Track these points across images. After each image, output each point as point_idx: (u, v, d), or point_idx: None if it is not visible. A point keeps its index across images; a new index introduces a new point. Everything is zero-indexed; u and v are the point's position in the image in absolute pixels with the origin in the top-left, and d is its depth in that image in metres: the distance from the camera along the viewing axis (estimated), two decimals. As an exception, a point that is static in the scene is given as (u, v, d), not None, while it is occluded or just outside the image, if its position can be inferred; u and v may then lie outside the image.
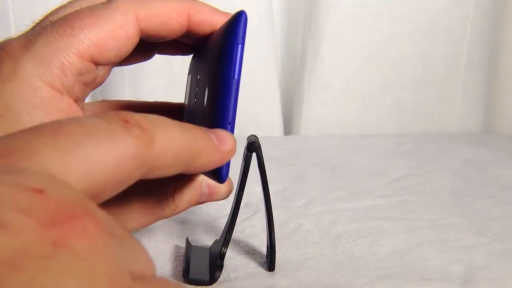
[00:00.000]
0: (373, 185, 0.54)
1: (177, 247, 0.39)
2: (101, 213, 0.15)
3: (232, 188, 0.33)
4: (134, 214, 0.29)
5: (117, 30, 0.26)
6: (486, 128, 0.86)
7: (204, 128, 0.22)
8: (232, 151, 0.23)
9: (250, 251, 0.38)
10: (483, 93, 0.84)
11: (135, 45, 0.27)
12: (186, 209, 0.31)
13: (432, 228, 0.43)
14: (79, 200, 0.14)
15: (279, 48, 0.81)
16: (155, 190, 0.30)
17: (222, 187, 0.32)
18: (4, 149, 0.15)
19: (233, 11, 0.27)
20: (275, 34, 0.77)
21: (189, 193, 0.31)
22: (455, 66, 0.81)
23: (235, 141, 0.23)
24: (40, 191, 0.14)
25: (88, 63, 0.26)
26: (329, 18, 0.75)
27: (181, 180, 0.31)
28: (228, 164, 0.25)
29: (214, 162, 0.22)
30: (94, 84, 0.27)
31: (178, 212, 0.31)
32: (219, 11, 0.29)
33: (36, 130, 0.16)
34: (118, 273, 0.14)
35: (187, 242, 0.38)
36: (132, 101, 0.35)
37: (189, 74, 0.34)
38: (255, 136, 0.34)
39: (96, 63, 0.26)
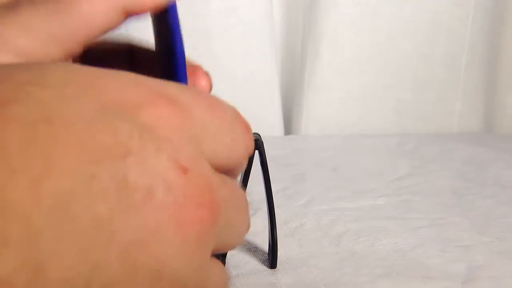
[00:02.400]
0: (374, 185, 0.54)
1: (179, 245, 0.39)
2: (218, 188, 0.16)
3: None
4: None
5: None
6: (487, 128, 0.86)
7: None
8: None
9: (252, 249, 0.38)
10: (483, 93, 0.84)
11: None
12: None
13: (434, 227, 0.43)
14: (210, 181, 0.16)
15: (279, 48, 0.81)
16: None
17: None
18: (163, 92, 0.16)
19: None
20: (275, 34, 0.77)
21: None
22: (455, 66, 0.81)
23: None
24: (185, 170, 0.15)
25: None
26: (329, 18, 0.75)
27: None
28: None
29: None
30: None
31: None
32: None
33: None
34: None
35: (189, 240, 0.38)
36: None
37: None
38: (257, 134, 0.34)
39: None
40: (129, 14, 0.20)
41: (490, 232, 0.42)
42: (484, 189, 0.54)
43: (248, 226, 0.20)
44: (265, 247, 0.38)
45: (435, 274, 0.35)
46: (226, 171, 0.18)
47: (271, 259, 0.35)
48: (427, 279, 0.35)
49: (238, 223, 0.18)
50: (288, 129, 0.82)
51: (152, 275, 0.14)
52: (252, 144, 0.20)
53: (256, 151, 0.33)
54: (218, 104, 0.18)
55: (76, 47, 0.19)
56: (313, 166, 0.61)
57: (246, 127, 0.19)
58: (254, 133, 0.34)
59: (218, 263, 0.18)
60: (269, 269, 0.35)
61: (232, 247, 0.19)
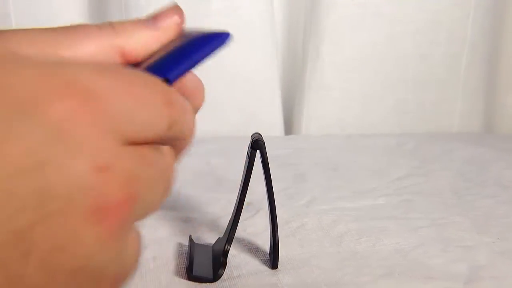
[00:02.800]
0: (375, 185, 0.54)
1: (180, 244, 0.39)
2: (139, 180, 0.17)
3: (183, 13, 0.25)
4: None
5: None
6: (487, 128, 0.86)
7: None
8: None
9: (253, 249, 0.38)
10: (483, 93, 0.84)
11: None
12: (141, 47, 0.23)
13: (435, 227, 0.43)
14: (128, 174, 0.16)
15: (280, 48, 0.81)
16: None
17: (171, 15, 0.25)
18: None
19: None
20: (275, 34, 0.77)
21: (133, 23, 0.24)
22: (455, 66, 0.81)
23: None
24: (103, 169, 0.15)
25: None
26: (330, 18, 0.75)
27: None
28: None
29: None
30: None
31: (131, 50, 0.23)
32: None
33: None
34: None
35: (190, 240, 0.38)
36: None
37: None
38: (259, 134, 0.34)
39: None
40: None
41: (491, 232, 0.42)
42: (485, 189, 0.54)
43: (168, 189, 0.20)
44: (267, 247, 0.38)
45: (437, 274, 0.35)
46: (160, 142, 0.19)
47: (273, 260, 0.35)
48: (428, 279, 0.35)
49: (158, 191, 0.18)
50: (289, 129, 0.82)
51: (72, 274, 0.14)
52: (177, 114, 0.19)
53: (258, 151, 0.33)
54: (136, 81, 0.18)
55: None
56: (313, 166, 0.61)
57: (167, 99, 0.19)
58: (256, 133, 0.34)
59: (133, 232, 0.18)
60: (271, 270, 0.35)
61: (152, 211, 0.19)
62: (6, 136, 0.13)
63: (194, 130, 0.22)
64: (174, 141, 0.20)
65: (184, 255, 0.37)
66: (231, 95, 0.74)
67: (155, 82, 0.19)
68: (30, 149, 0.13)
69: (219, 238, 0.37)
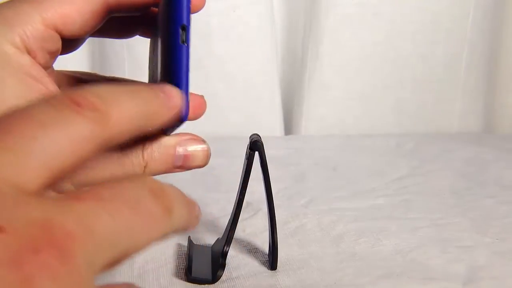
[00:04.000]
0: (375, 185, 0.54)
1: (179, 245, 0.38)
2: (62, 217, 0.15)
3: (210, 153, 0.30)
4: (99, 164, 0.27)
5: (82, 5, 0.26)
6: (486, 128, 0.86)
7: (152, 86, 0.23)
8: (178, 106, 0.23)
9: (252, 250, 0.38)
10: (483, 93, 0.84)
11: (103, 20, 0.27)
12: (161, 171, 0.29)
13: (434, 227, 0.43)
14: (42, 220, 0.14)
15: (280, 48, 0.81)
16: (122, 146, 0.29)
17: (199, 151, 0.30)
18: None
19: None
20: (275, 34, 0.77)
21: (160, 153, 0.29)
22: (455, 66, 0.81)
23: (181, 96, 0.24)
24: (0, 230, 0.14)
25: (52, 31, 0.26)
26: (329, 18, 0.75)
27: (151, 140, 0.29)
28: (187, 107, 0.25)
29: (164, 119, 0.22)
30: (58, 53, 0.28)
31: (152, 174, 0.28)
32: None
33: None
34: None
35: (189, 240, 0.38)
36: (87, 73, 0.34)
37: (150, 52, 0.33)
38: (257, 135, 0.34)
39: (60, 34, 0.26)
40: None
41: (490, 233, 0.42)
42: (484, 189, 0.54)
43: (158, 216, 0.18)
44: (266, 248, 0.38)
45: (435, 275, 0.35)
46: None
47: (272, 261, 0.35)
48: (427, 280, 0.34)
49: (123, 228, 0.17)
50: (288, 129, 0.82)
51: None
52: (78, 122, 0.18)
53: (256, 152, 0.33)
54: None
55: None
56: (313, 166, 0.61)
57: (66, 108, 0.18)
58: (254, 134, 0.34)
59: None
60: (270, 271, 0.35)
61: (142, 247, 0.17)
62: None
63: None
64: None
65: (183, 256, 0.37)
66: (231, 95, 0.74)
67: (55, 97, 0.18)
68: None
69: (218, 239, 0.37)
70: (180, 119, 0.24)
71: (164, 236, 0.18)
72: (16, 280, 0.13)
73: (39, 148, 0.16)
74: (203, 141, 0.29)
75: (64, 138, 0.17)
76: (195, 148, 0.29)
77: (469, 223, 0.44)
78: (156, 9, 0.29)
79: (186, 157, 0.29)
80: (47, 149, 0.16)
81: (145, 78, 0.32)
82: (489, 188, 0.54)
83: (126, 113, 0.19)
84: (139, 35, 0.32)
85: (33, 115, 0.17)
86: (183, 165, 0.30)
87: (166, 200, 0.18)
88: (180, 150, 0.29)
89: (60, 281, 0.14)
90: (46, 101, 0.17)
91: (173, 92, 0.23)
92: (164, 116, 0.22)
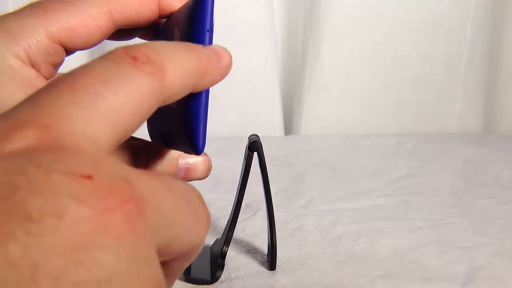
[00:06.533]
0: (374, 185, 0.54)
1: (178, 246, 0.38)
2: (137, 181, 0.15)
3: (211, 166, 0.31)
4: None
5: (88, 20, 0.26)
6: (486, 128, 0.86)
7: (204, 46, 0.23)
8: (230, 66, 0.24)
9: (251, 251, 0.38)
10: (483, 93, 0.84)
11: (108, 34, 0.27)
12: None
13: (433, 228, 0.43)
14: (123, 177, 0.15)
15: (279, 48, 0.81)
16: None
17: (200, 164, 0.31)
18: (34, 117, 0.15)
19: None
20: (275, 34, 0.77)
21: (163, 165, 0.30)
22: (455, 66, 0.81)
23: (231, 55, 0.24)
24: (89, 177, 0.14)
25: (56, 45, 0.26)
26: (329, 18, 0.75)
27: (154, 152, 0.30)
28: (204, 135, 0.25)
29: (217, 78, 0.23)
30: (61, 64, 0.28)
31: None
32: None
33: (56, 89, 0.16)
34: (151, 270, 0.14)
35: (188, 241, 0.38)
36: None
37: None
38: (256, 135, 0.34)
39: (65, 47, 0.26)
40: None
41: (490, 233, 0.42)
42: (484, 189, 0.54)
43: (203, 221, 0.18)
44: (265, 248, 0.38)
45: (434, 276, 0.35)
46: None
47: (270, 261, 0.35)
48: (426, 281, 0.35)
49: (180, 215, 0.17)
50: (288, 129, 0.82)
51: (96, 286, 0.13)
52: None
53: (255, 153, 0.33)
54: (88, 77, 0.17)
55: None
56: (312, 166, 0.61)
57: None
58: (253, 135, 0.34)
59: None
60: (269, 271, 0.35)
61: (184, 247, 0.17)
62: None
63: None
64: None
65: (182, 256, 0.37)
66: (231, 95, 0.74)
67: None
68: None
69: (217, 239, 0.37)
70: (196, 151, 0.25)
71: None
72: (102, 223, 0.13)
73: (104, 104, 0.16)
74: (205, 154, 0.30)
75: (127, 94, 0.17)
76: (197, 160, 0.30)
77: (468, 223, 0.44)
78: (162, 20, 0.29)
79: (187, 169, 0.30)
80: (111, 105, 0.16)
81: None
82: (489, 188, 0.55)
83: (181, 67, 0.19)
84: (139, 37, 0.32)
85: (95, 70, 0.17)
86: (184, 177, 0.30)
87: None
88: (182, 162, 0.30)
89: (138, 234, 0.14)
90: (105, 57, 0.17)
91: (223, 52, 0.24)
92: (215, 75, 0.23)
